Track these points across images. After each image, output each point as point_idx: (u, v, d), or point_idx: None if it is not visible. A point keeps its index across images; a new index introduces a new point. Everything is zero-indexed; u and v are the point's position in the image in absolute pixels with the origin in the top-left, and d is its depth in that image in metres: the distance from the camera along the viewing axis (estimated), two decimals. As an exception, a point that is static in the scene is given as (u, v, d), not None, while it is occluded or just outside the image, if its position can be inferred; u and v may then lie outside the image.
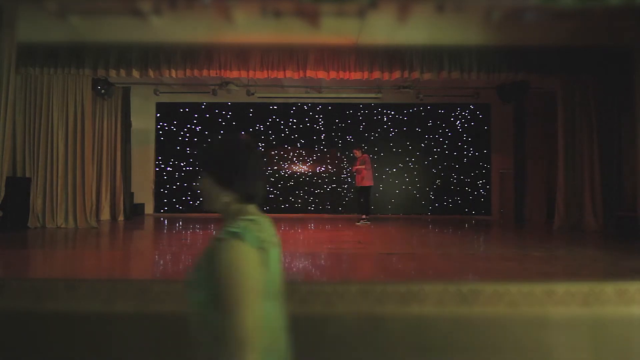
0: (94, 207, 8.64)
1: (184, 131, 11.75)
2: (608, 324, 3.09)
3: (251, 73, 7.92)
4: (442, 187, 11.70)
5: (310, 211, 11.69)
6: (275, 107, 11.77)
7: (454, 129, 11.77)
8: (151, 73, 7.88)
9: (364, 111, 11.79)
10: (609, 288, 3.17)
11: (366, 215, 9.09)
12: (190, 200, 11.67)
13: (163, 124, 11.75)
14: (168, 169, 11.71)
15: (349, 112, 11.77)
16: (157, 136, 11.74)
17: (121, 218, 9.73)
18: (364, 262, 4.70)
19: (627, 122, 7.55)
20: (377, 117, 11.80)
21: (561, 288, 3.15)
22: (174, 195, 11.67)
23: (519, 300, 3.10)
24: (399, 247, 5.70)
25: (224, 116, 11.76)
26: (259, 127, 11.79)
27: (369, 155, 9.44)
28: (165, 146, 11.72)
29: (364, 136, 11.74)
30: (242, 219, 1.30)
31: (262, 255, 1.25)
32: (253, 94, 10.35)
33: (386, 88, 10.35)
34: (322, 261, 4.72)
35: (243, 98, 10.75)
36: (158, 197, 11.67)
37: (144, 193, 11.50)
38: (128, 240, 6.80)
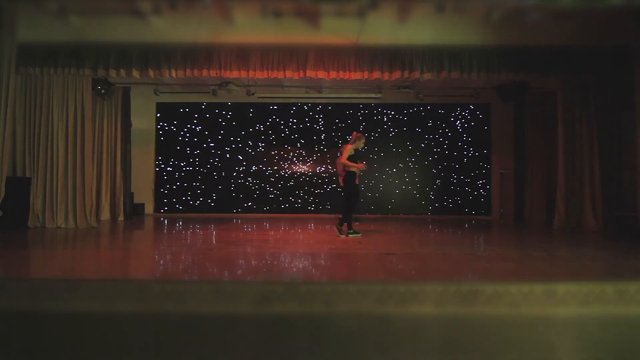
0: (94, 207, 8.64)
1: (184, 131, 11.76)
2: (608, 324, 3.09)
3: (251, 73, 7.92)
4: (442, 187, 11.71)
5: (310, 211, 11.69)
6: (275, 107, 11.77)
7: (454, 129, 11.77)
8: (151, 73, 7.88)
9: (364, 111, 11.79)
10: (609, 288, 3.17)
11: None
12: (190, 200, 11.68)
13: (163, 124, 11.76)
14: (168, 169, 11.72)
15: (349, 112, 11.78)
16: (157, 136, 11.74)
17: (121, 218, 9.74)
18: (364, 262, 4.70)
19: (627, 122, 7.55)
20: (377, 117, 11.80)
21: (561, 288, 3.15)
22: (174, 195, 11.68)
23: (519, 300, 3.10)
24: (399, 247, 5.70)
25: (224, 116, 11.76)
26: (259, 127, 11.79)
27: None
28: (165, 146, 11.73)
29: (364, 136, 11.72)
30: None
31: None
32: (253, 94, 10.36)
33: (386, 88, 10.36)
34: (322, 261, 4.72)
35: (243, 98, 10.76)
36: (158, 197, 11.68)
37: (144, 193, 11.51)
38: (128, 240, 6.80)
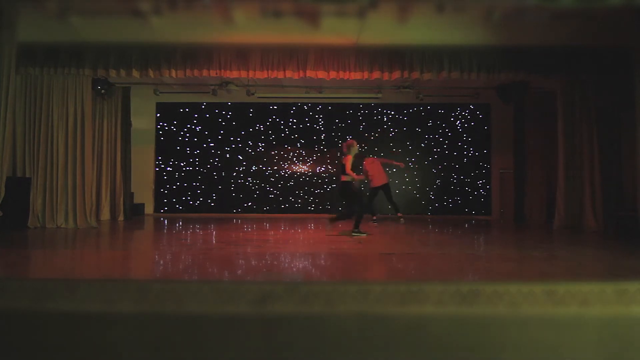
0: (94, 207, 8.64)
1: (184, 131, 11.75)
2: (608, 324, 3.09)
3: (251, 73, 7.92)
4: (442, 187, 11.71)
5: (310, 211, 11.68)
6: (275, 107, 11.77)
7: (454, 129, 11.77)
8: (151, 73, 7.88)
9: (364, 111, 11.79)
10: (609, 288, 3.17)
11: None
12: (190, 200, 11.67)
13: (163, 124, 11.76)
14: (168, 169, 11.72)
15: (349, 112, 11.77)
16: (157, 136, 11.74)
17: (121, 218, 9.74)
18: (364, 262, 4.70)
19: (627, 122, 7.55)
20: (377, 117, 11.80)
21: (561, 288, 3.15)
22: (174, 195, 11.68)
23: (519, 300, 3.10)
24: (399, 247, 5.70)
25: (224, 116, 11.76)
26: (259, 127, 11.79)
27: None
28: (165, 146, 11.72)
29: (364, 136, 11.74)
30: None
31: None
32: (253, 94, 10.35)
33: (386, 88, 10.35)
34: (322, 261, 4.72)
35: (243, 98, 10.75)
36: (158, 197, 11.68)
37: (144, 193, 11.50)
38: (128, 240, 6.80)
